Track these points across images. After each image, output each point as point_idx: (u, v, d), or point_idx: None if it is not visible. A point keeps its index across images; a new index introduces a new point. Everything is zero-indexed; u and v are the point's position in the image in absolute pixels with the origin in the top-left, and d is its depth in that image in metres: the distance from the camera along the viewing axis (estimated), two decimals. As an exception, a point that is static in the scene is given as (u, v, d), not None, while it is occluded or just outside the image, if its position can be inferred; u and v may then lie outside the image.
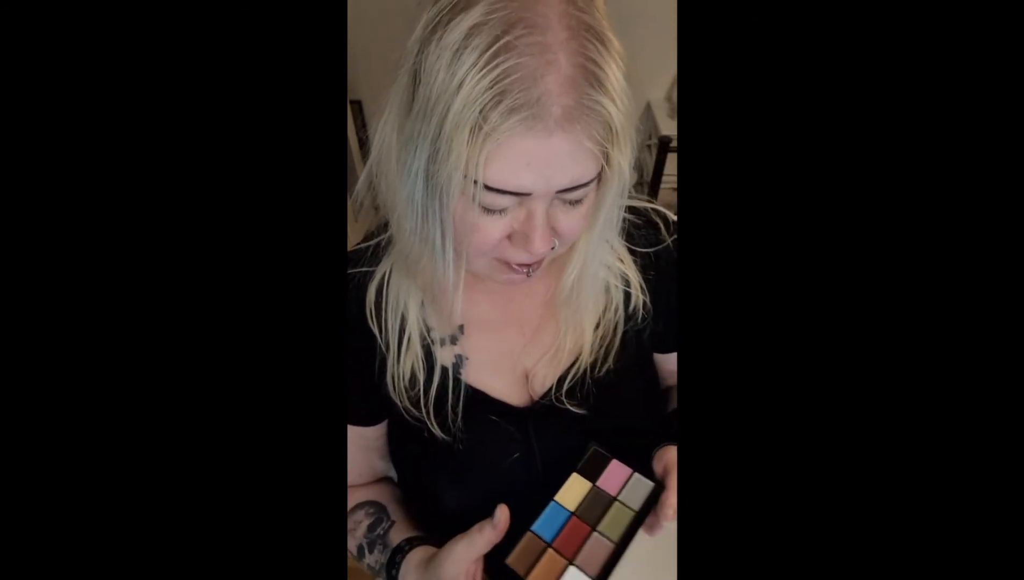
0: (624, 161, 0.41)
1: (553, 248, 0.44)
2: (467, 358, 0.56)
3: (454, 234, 0.42)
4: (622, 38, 0.40)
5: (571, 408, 0.54)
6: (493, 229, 0.42)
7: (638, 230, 0.57)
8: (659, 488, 0.45)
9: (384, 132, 0.44)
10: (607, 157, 0.40)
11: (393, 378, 0.54)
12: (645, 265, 0.57)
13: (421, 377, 0.54)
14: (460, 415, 0.54)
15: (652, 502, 0.45)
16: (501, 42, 0.35)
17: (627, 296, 0.57)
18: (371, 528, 0.57)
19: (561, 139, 0.38)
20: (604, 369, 0.55)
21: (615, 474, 0.49)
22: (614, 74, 0.38)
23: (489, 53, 0.35)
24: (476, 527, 0.44)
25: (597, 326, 0.56)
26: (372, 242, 0.56)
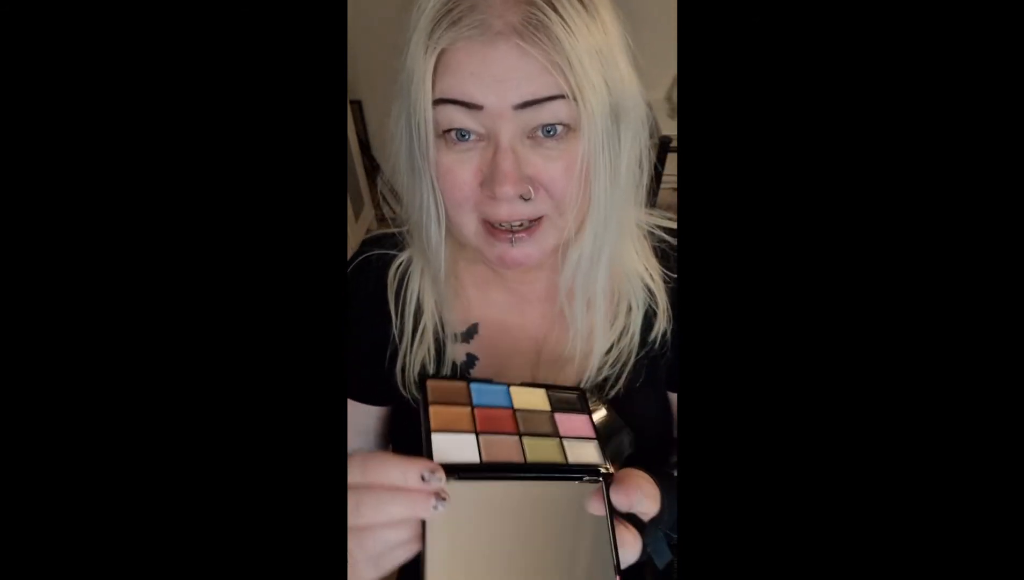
0: (597, 100, 0.40)
1: (528, 199, 0.43)
2: (478, 358, 0.56)
3: (433, 185, 0.44)
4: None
5: None
6: (463, 170, 0.43)
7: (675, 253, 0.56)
8: (605, 477, 0.40)
9: (393, 111, 0.46)
10: (573, 91, 0.40)
11: (403, 368, 0.55)
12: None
13: (431, 370, 0.54)
14: None
15: (585, 473, 0.40)
16: None
17: (648, 321, 0.55)
18: None
19: (505, 49, 0.39)
20: (614, 391, 0.53)
21: (577, 423, 0.44)
22: (572, 5, 0.39)
23: None
24: (422, 460, 0.35)
25: (610, 349, 0.54)
26: (398, 229, 0.57)
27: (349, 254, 0.60)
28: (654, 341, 0.55)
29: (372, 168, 2.41)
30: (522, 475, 0.39)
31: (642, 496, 0.40)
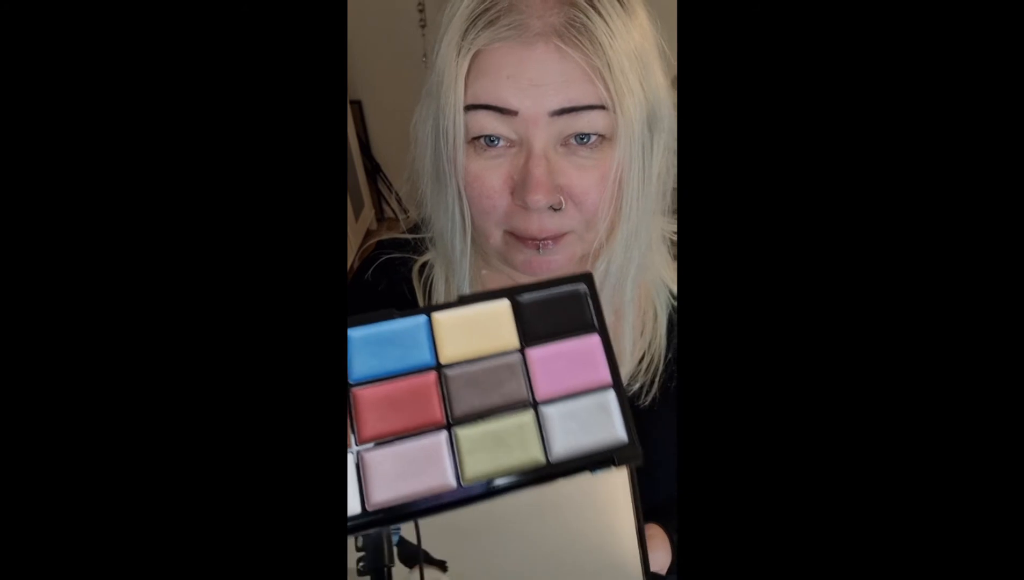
0: (635, 109, 0.38)
1: (559, 209, 0.41)
2: None
3: (459, 192, 0.42)
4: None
5: None
6: (492, 177, 0.41)
7: None
8: (629, 454, 0.23)
9: (418, 114, 0.44)
10: (612, 99, 0.38)
11: None
12: None
13: None
14: None
15: (591, 465, 0.22)
16: None
17: (672, 324, 0.54)
18: None
19: (544, 51, 0.37)
20: (650, 397, 0.52)
21: (577, 360, 0.23)
22: (612, 5, 0.37)
23: None
24: None
25: (641, 359, 0.53)
26: (413, 236, 0.56)
27: (351, 254, 0.60)
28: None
29: (372, 168, 2.41)
30: (449, 505, 0.21)
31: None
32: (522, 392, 0.23)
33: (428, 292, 0.55)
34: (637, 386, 0.52)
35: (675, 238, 0.56)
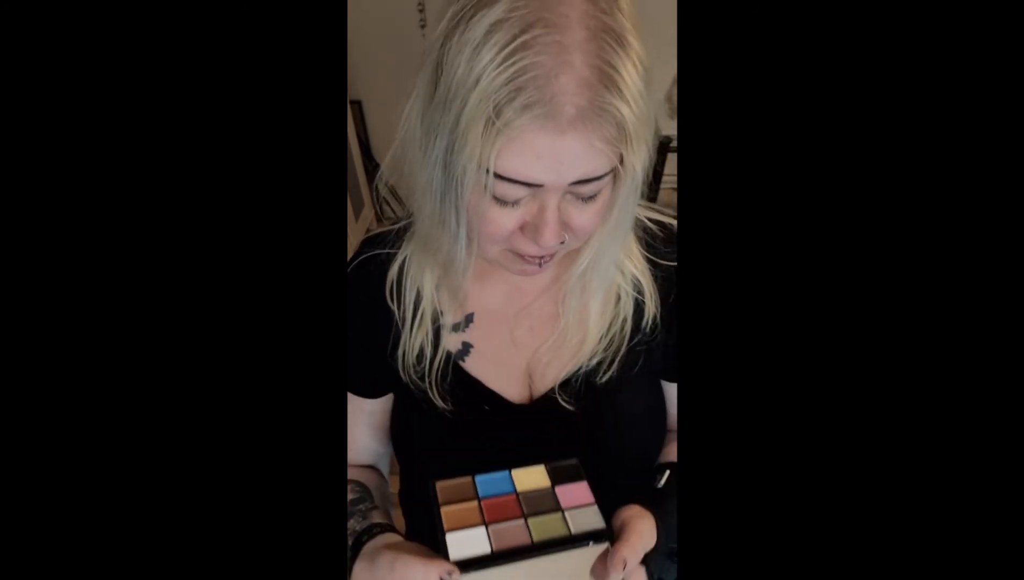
0: (638, 162, 0.42)
1: (563, 242, 0.45)
2: (473, 346, 0.57)
3: (468, 221, 0.44)
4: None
5: (565, 405, 0.54)
6: (506, 220, 0.43)
7: (666, 246, 0.58)
8: (607, 535, 0.44)
9: (409, 117, 0.45)
10: (621, 158, 0.41)
11: (404, 352, 0.57)
12: (665, 280, 0.57)
13: (428, 353, 0.56)
14: (458, 400, 0.55)
15: (591, 539, 0.44)
16: (519, 40, 0.36)
17: (639, 308, 0.56)
18: (354, 503, 0.57)
19: (573, 138, 0.38)
20: (607, 376, 0.55)
21: (577, 492, 0.48)
22: (630, 77, 0.38)
23: (507, 51, 0.36)
24: (440, 562, 0.42)
25: (602, 337, 0.56)
26: (396, 226, 0.58)
27: (349, 254, 0.60)
28: (646, 326, 0.56)
29: (372, 168, 2.40)
30: (530, 555, 0.43)
31: (634, 557, 0.43)
32: (555, 503, 0.47)
33: (402, 286, 0.57)
34: (595, 362, 0.56)
35: (645, 222, 0.59)
